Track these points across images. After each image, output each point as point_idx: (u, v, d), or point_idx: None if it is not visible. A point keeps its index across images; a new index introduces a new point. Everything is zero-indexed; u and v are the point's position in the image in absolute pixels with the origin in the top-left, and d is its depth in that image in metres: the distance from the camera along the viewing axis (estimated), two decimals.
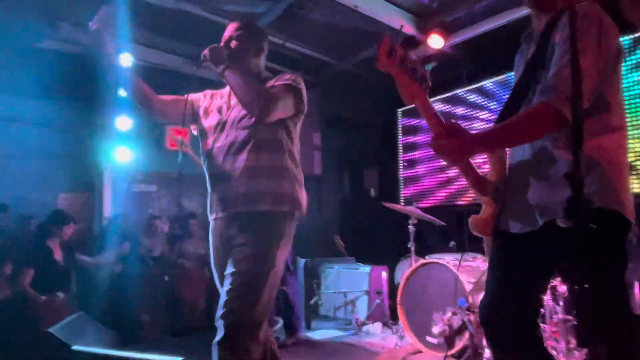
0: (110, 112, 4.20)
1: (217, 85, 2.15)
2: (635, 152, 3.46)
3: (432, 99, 4.58)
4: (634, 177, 3.13)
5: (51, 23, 3.54)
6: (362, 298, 4.49)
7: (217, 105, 2.07)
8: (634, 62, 3.56)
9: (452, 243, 4.11)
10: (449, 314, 3.09)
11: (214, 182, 1.94)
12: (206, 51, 1.89)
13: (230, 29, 2.10)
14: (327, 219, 6.10)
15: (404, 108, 5.57)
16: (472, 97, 4.84)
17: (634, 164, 3.09)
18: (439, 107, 5.15)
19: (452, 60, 4.78)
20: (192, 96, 2.12)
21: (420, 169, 5.33)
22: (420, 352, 3.35)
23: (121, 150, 4.25)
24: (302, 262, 4.66)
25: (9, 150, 3.91)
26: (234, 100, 1.98)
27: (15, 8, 3.30)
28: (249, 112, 1.87)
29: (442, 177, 5.01)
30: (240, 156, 1.87)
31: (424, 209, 3.97)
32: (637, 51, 3.48)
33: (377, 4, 4.00)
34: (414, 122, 5.49)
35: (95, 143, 4.33)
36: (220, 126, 1.97)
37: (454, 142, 1.31)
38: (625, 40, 3.57)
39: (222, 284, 1.86)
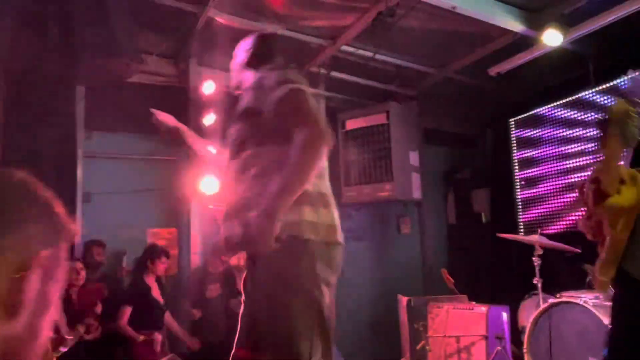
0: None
1: None
2: None
3: (551, 105, 4.24)
4: None
5: (138, 57, 3.90)
6: (478, 344, 4.23)
7: None
8: None
9: (589, 278, 3.75)
10: None
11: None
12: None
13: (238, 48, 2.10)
14: (431, 250, 5.90)
15: (518, 117, 5.29)
16: (604, 99, 4.45)
17: None
18: (562, 113, 4.81)
19: (574, 58, 4.49)
20: None
21: (541, 188, 4.97)
22: None
23: (208, 181, 4.49)
24: (403, 300, 4.52)
25: (97, 187, 4.31)
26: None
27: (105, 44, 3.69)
28: None
29: (571, 196, 4.62)
30: None
31: (550, 237, 3.69)
32: None
33: (479, 2, 3.88)
34: (530, 132, 5.17)
35: (181, 175, 4.62)
36: None
37: None
38: None
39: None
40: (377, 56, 4.67)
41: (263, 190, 1.63)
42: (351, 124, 5.26)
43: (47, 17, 3.08)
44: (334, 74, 5.05)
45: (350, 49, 4.59)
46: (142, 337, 3.86)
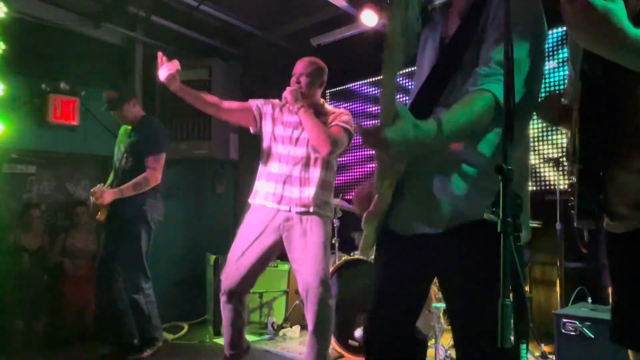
0: None
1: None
2: (560, 147, 3.83)
3: (363, 81, 4.72)
4: (560, 173, 3.47)
5: None
6: (280, 299, 4.55)
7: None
8: (562, 57, 3.90)
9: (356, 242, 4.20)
10: None
11: None
12: (287, 94, 2.81)
13: (301, 65, 3.09)
14: (244, 209, 6.05)
15: (333, 89, 5.69)
16: (405, 83, 5.03)
17: (560, 159, 3.42)
18: (370, 90, 5.32)
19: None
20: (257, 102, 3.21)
21: (347, 158, 5.48)
22: (343, 356, 3.48)
23: None
24: (211, 259, 4.61)
25: None
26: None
27: None
28: (318, 150, 2.75)
29: (372, 166, 5.19)
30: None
31: (350, 201, 4.09)
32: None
33: None
34: (343, 105, 5.61)
35: None
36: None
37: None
38: (556, 32, 3.90)
39: None
40: (203, 7, 4.55)
41: None
42: None
43: None
44: (155, 18, 4.77)
45: None
46: None
